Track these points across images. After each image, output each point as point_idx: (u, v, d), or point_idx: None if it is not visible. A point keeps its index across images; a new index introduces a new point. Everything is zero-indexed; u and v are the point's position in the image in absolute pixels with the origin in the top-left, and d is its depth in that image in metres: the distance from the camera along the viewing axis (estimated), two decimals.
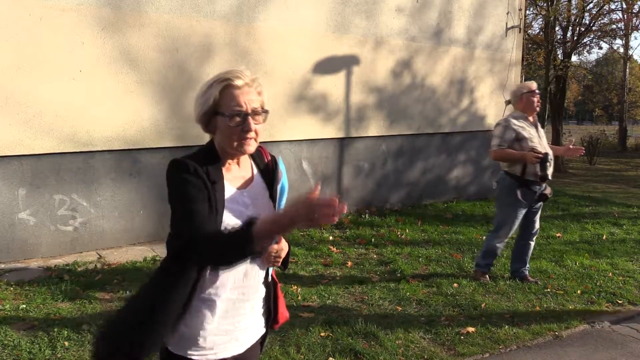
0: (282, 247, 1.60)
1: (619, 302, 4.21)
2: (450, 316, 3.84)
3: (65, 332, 3.35)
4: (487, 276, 4.57)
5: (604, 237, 6.09)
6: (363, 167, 7.14)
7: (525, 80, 7.88)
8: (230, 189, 1.54)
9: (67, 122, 4.90)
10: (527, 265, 4.60)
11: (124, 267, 4.69)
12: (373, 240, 5.75)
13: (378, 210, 7.15)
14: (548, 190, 4.31)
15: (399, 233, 6.12)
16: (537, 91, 4.34)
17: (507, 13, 8.31)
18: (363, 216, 6.84)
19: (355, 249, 5.44)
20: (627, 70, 21.29)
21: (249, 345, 1.65)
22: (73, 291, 4.07)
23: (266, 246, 1.48)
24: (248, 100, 1.49)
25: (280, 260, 1.60)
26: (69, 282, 4.28)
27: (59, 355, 3.10)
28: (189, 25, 5.45)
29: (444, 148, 7.99)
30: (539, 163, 4.12)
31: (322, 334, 3.45)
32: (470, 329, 3.60)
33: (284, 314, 1.79)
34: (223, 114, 1.48)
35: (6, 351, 3.11)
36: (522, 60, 9.60)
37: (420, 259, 5.15)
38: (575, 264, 5.13)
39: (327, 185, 6.83)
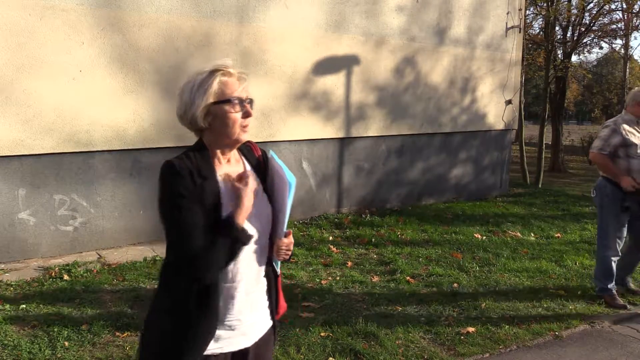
0: (292, 240, 1.70)
1: (628, 303, 4.21)
2: (450, 316, 3.84)
3: (65, 332, 3.35)
4: (618, 297, 4.18)
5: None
6: (363, 167, 7.14)
7: (525, 80, 7.87)
8: (223, 184, 1.57)
9: (67, 122, 4.90)
10: (631, 276, 4.41)
11: (124, 267, 4.69)
12: (373, 240, 5.75)
13: (378, 210, 7.15)
14: None
15: (399, 233, 6.11)
16: None
17: (507, 13, 8.31)
18: (363, 216, 6.84)
19: (355, 249, 5.44)
20: (627, 70, 21.28)
21: (257, 339, 1.67)
22: (73, 291, 4.07)
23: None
24: (243, 88, 1.57)
25: (291, 253, 1.70)
26: (69, 282, 4.29)
27: (59, 355, 3.10)
28: (189, 25, 5.45)
29: (444, 148, 8.00)
30: (633, 192, 3.92)
31: (322, 334, 3.45)
32: (470, 329, 3.60)
33: (283, 305, 1.84)
34: (227, 101, 1.53)
35: (6, 351, 3.11)
36: (522, 60, 9.61)
37: (420, 259, 5.15)
38: (575, 264, 5.14)
39: (327, 185, 6.83)
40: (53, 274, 4.44)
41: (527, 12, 12.34)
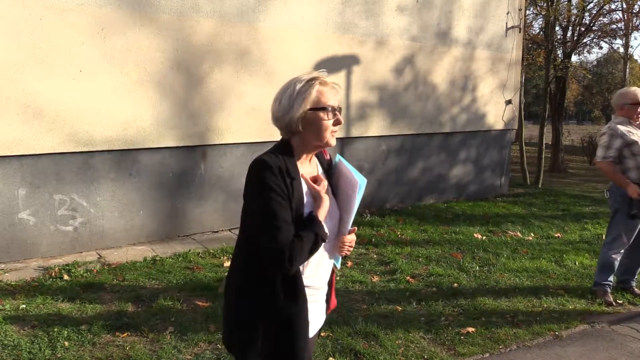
0: (354, 237, 1.81)
1: (619, 302, 4.22)
2: (450, 316, 3.84)
3: (65, 332, 3.35)
4: (610, 294, 4.24)
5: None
6: (363, 167, 7.14)
7: (525, 80, 7.86)
8: (304, 184, 1.70)
9: (67, 122, 4.90)
10: (635, 277, 4.38)
11: (124, 267, 4.69)
12: (373, 240, 5.75)
13: (378, 210, 7.15)
14: None
15: (399, 233, 6.11)
16: None
17: (507, 13, 8.31)
18: (363, 216, 6.84)
19: (355, 249, 5.44)
20: (627, 70, 21.29)
21: (317, 330, 1.84)
22: (73, 291, 4.07)
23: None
24: (336, 98, 1.71)
25: (352, 248, 1.81)
26: (69, 282, 4.29)
27: (59, 355, 3.10)
28: (189, 25, 5.45)
29: (444, 148, 8.00)
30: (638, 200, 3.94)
31: (322, 334, 3.45)
32: (470, 329, 3.60)
33: (334, 300, 1.97)
34: (323, 109, 1.66)
35: (6, 351, 3.11)
36: (522, 60, 9.61)
37: (420, 259, 5.15)
38: (575, 264, 5.14)
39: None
40: (53, 274, 4.44)
41: (527, 12, 12.34)
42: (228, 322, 1.77)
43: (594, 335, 3.66)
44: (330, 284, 1.90)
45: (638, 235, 4.20)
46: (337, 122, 1.70)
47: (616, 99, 4.17)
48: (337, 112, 1.70)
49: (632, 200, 3.98)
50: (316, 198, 1.68)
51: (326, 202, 1.68)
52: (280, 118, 1.68)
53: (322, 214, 1.66)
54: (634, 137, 4.00)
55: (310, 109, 1.65)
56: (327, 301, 1.90)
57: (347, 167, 1.78)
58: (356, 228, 1.80)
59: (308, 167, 1.76)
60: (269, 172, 1.58)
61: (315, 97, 1.65)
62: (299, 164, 1.70)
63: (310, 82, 1.66)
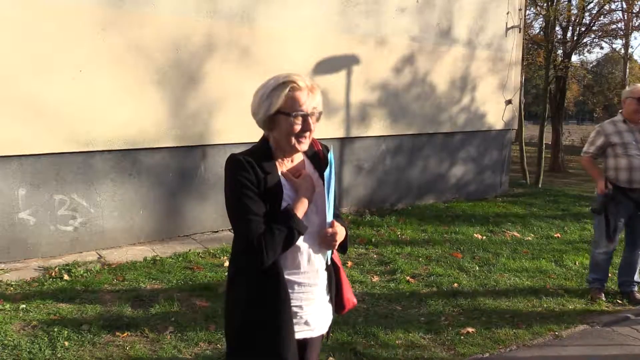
0: (337, 230, 1.72)
1: (619, 302, 4.22)
2: (450, 316, 3.84)
3: (65, 332, 3.35)
4: (602, 293, 4.23)
5: None
6: (363, 167, 7.14)
7: (525, 80, 7.86)
8: (284, 179, 1.70)
9: (67, 122, 4.90)
10: (636, 281, 4.24)
11: (124, 267, 4.68)
12: (373, 240, 5.75)
13: (378, 210, 7.15)
14: None
15: (399, 233, 6.11)
16: None
17: (507, 13, 8.31)
18: (363, 216, 6.83)
19: (355, 249, 5.44)
20: (627, 70, 21.27)
21: (322, 332, 1.82)
22: (73, 291, 4.07)
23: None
24: (309, 102, 1.65)
25: (337, 243, 1.73)
26: (69, 282, 4.29)
27: (59, 355, 3.10)
28: (189, 25, 5.45)
29: (444, 148, 7.99)
30: (602, 196, 3.95)
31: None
32: (470, 329, 3.60)
33: (350, 299, 1.94)
34: (288, 114, 1.63)
35: (6, 351, 3.11)
36: (522, 60, 9.61)
37: (420, 259, 5.15)
38: (575, 264, 5.14)
39: None
40: (53, 274, 4.44)
41: (527, 12, 12.33)
42: (226, 314, 1.79)
43: (594, 335, 3.67)
44: (339, 281, 1.88)
45: (634, 236, 4.18)
46: (305, 129, 1.66)
47: (622, 93, 4.18)
48: (308, 118, 1.65)
49: (599, 196, 4.03)
50: (297, 192, 1.68)
51: (305, 196, 1.68)
52: (253, 115, 1.72)
53: (299, 208, 1.65)
54: (618, 139, 3.99)
55: (277, 112, 1.64)
56: (333, 300, 1.87)
57: (331, 161, 1.78)
58: (334, 221, 1.75)
59: (290, 162, 1.76)
60: (239, 168, 1.61)
61: (284, 101, 1.63)
62: (279, 159, 1.72)
63: (284, 84, 1.64)
